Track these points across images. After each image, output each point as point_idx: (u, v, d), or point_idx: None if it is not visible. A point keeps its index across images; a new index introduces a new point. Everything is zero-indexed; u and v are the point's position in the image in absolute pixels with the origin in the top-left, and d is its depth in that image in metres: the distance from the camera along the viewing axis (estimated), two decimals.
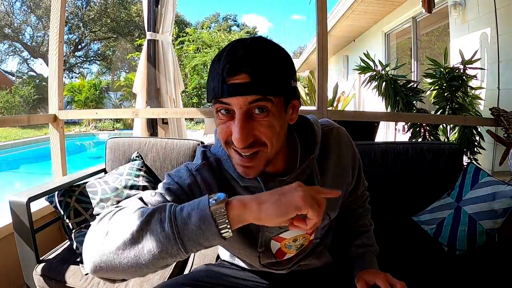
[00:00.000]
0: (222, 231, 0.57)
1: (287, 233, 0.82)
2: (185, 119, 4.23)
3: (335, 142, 0.85)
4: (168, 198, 0.72)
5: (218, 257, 1.12)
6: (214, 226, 0.57)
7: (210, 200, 0.59)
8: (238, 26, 25.15)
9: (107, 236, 0.60)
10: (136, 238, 0.58)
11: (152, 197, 0.72)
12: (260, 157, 0.68)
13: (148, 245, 0.57)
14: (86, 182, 1.58)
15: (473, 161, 2.50)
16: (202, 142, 1.73)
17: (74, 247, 1.38)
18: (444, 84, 2.67)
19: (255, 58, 0.63)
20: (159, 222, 0.58)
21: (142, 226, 0.58)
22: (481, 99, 2.97)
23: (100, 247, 0.60)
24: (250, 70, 0.62)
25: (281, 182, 0.74)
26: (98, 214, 1.45)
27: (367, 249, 0.97)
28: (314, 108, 2.20)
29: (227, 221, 0.57)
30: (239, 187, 0.77)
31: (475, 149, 2.63)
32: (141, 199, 0.72)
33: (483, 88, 3.08)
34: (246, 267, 0.97)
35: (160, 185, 0.77)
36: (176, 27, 14.43)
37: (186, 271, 1.33)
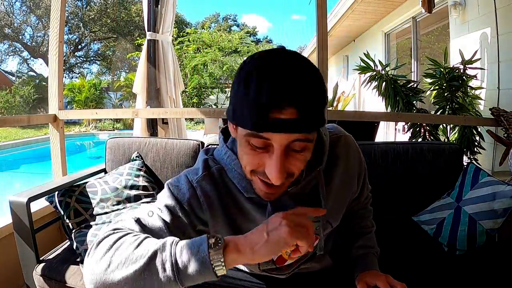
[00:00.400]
0: (217, 272, 0.60)
1: None
2: (185, 119, 4.23)
3: (343, 151, 0.83)
4: (167, 219, 0.72)
5: None
6: (211, 270, 0.59)
7: (209, 243, 0.60)
8: (238, 26, 25.17)
9: (109, 268, 0.61)
10: (138, 276, 0.60)
11: (149, 218, 0.72)
12: (285, 185, 0.68)
13: (150, 283, 0.60)
14: (86, 182, 1.58)
15: (473, 161, 2.50)
16: (202, 143, 1.73)
17: (74, 247, 1.38)
18: (444, 84, 2.67)
19: (303, 89, 0.57)
20: (161, 263, 0.60)
21: (145, 267, 0.60)
22: (481, 99, 2.97)
23: (102, 275, 0.61)
24: (299, 105, 0.56)
25: (285, 194, 0.73)
26: (98, 214, 1.46)
27: (368, 250, 0.97)
28: None
29: (223, 264, 0.59)
30: (243, 198, 0.76)
31: (475, 149, 2.63)
32: (138, 221, 0.71)
33: (483, 88, 3.08)
34: (244, 269, 0.97)
35: (159, 199, 0.76)
36: (176, 27, 14.42)
37: None
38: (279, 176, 0.60)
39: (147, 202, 1.56)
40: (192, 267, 0.59)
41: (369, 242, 0.99)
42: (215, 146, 0.86)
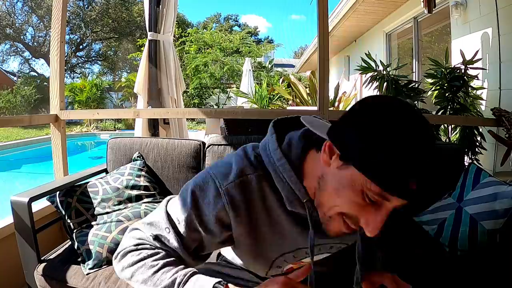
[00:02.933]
0: None
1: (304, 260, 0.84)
2: (186, 119, 4.23)
3: None
4: (184, 233, 0.73)
5: (219, 254, 1.12)
6: None
7: None
8: (239, 26, 25.17)
9: (132, 279, 0.74)
10: None
11: (167, 235, 0.74)
12: None
13: None
14: (88, 182, 1.58)
15: (475, 162, 2.50)
16: (203, 143, 1.73)
17: (76, 247, 1.38)
18: (446, 84, 2.67)
19: (440, 192, 0.59)
20: None
21: None
22: (482, 99, 2.96)
23: (126, 279, 0.76)
24: (436, 199, 0.59)
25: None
26: (99, 214, 1.46)
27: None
28: (315, 108, 2.19)
29: None
30: (282, 211, 0.72)
31: (477, 150, 2.63)
32: (157, 238, 0.75)
33: (485, 88, 3.07)
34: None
35: (179, 205, 0.74)
36: (178, 28, 14.43)
37: None
38: (377, 229, 0.60)
39: (148, 202, 1.57)
40: None
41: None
42: (257, 144, 0.78)
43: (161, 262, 0.71)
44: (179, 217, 0.73)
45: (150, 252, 0.73)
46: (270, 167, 0.71)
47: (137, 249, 0.74)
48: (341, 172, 0.61)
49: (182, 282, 0.68)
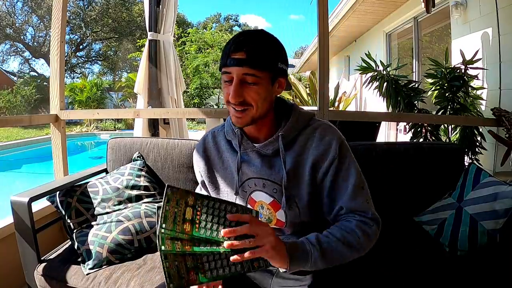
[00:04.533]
0: None
1: (257, 195, 1.03)
2: (187, 119, 4.23)
3: (310, 132, 0.99)
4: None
5: None
6: None
7: None
8: (239, 26, 25.17)
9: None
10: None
11: None
12: (247, 114, 0.91)
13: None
14: (88, 182, 1.58)
15: (475, 162, 2.50)
16: None
17: (76, 247, 1.38)
18: (446, 84, 2.67)
19: (251, 42, 0.88)
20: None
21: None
22: (482, 99, 2.96)
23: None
24: (246, 50, 0.86)
25: (253, 148, 1.00)
26: (99, 214, 1.46)
27: (320, 237, 0.88)
28: (315, 108, 2.19)
29: None
30: (228, 149, 1.06)
31: (477, 150, 2.62)
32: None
33: (485, 88, 3.07)
34: None
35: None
36: (178, 28, 14.43)
37: None
38: (235, 95, 0.88)
39: (148, 202, 1.57)
40: None
41: (332, 233, 0.89)
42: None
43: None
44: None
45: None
46: (216, 129, 1.12)
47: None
48: None
49: None
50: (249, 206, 1.05)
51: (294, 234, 1.03)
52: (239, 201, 1.06)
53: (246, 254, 0.75)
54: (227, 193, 1.08)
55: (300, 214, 1.00)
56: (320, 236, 0.88)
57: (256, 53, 0.87)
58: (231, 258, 0.76)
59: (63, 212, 1.45)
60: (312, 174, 0.96)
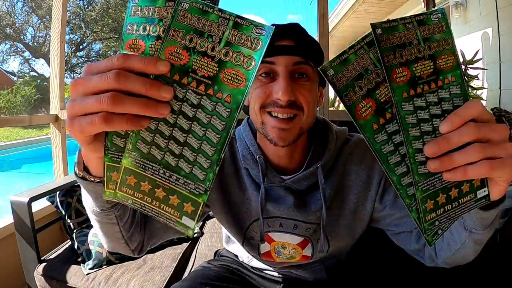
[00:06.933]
0: None
1: (278, 235, 0.80)
2: None
3: (348, 151, 0.78)
4: None
5: (215, 253, 1.13)
6: None
7: None
8: None
9: None
10: None
11: None
12: (296, 122, 0.67)
13: None
14: None
15: None
16: None
17: (76, 247, 1.38)
18: None
19: (299, 31, 0.70)
20: None
21: None
22: (482, 99, 2.96)
23: None
24: (295, 36, 0.68)
25: (281, 181, 0.74)
26: None
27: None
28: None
29: None
30: (247, 173, 0.78)
31: None
32: None
33: (485, 88, 3.07)
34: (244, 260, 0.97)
35: None
36: None
37: (186, 272, 1.33)
38: (287, 90, 0.63)
39: None
40: None
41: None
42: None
43: None
44: None
45: None
46: (237, 132, 0.82)
47: None
48: None
49: None
50: (261, 245, 0.82)
51: (315, 263, 0.87)
52: (246, 245, 0.84)
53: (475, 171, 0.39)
54: (233, 231, 0.84)
55: (330, 247, 0.80)
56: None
57: (308, 42, 0.69)
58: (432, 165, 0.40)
59: (63, 212, 1.45)
60: (356, 204, 0.77)
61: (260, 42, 0.36)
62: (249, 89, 0.37)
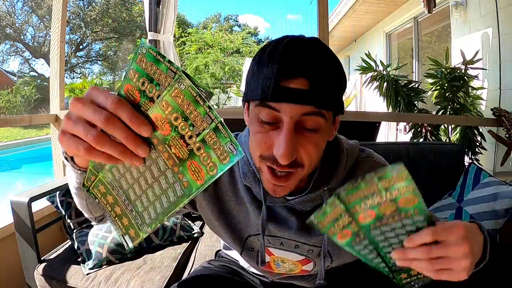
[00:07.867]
0: None
1: (278, 252, 0.78)
2: None
3: (360, 173, 0.70)
4: None
5: (216, 253, 1.13)
6: None
7: None
8: (239, 26, 25.15)
9: None
10: None
11: None
12: (294, 178, 0.60)
13: None
14: None
15: (475, 162, 2.50)
16: None
17: (76, 247, 1.39)
18: (446, 84, 2.67)
19: (316, 63, 0.54)
20: None
21: None
22: (482, 99, 2.96)
23: None
24: (310, 76, 0.53)
25: (284, 201, 0.69)
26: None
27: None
28: None
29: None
30: (241, 186, 0.73)
31: (477, 150, 2.62)
32: None
33: (485, 88, 3.07)
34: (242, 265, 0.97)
35: None
36: (178, 28, 14.43)
37: (186, 272, 1.33)
38: (287, 154, 0.54)
39: None
40: None
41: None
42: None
43: None
44: None
45: None
46: (238, 139, 0.75)
47: None
48: (249, 118, 0.63)
49: None
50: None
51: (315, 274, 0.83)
52: (244, 255, 0.80)
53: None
54: (230, 242, 0.80)
55: (332, 263, 0.78)
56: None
57: (324, 82, 0.54)
58: (398, 262, 0.53)
59: (63, 212, 1.45)
60: None
61: (228, 159, 0.36)
62: (203, 188, 0.39)
